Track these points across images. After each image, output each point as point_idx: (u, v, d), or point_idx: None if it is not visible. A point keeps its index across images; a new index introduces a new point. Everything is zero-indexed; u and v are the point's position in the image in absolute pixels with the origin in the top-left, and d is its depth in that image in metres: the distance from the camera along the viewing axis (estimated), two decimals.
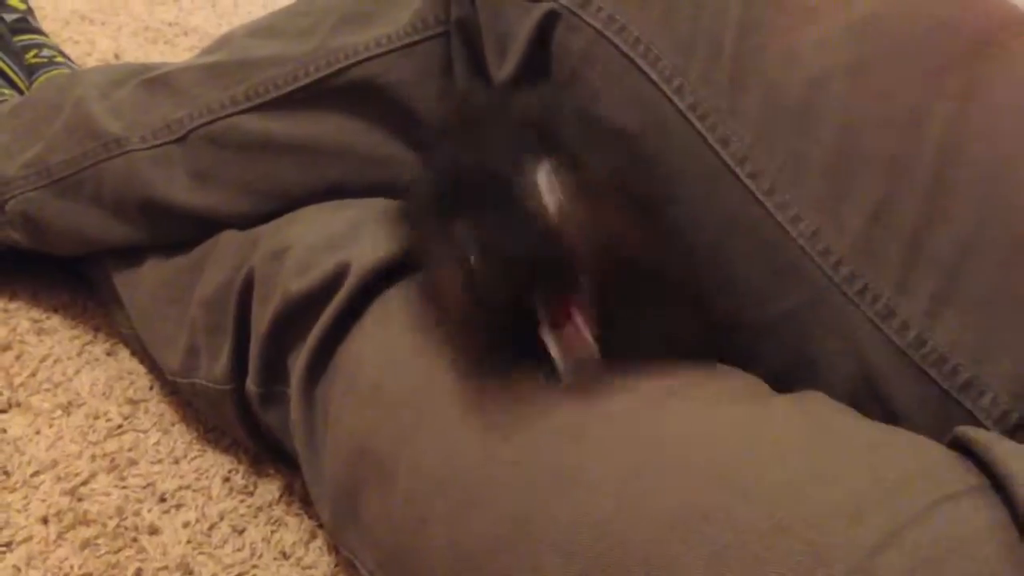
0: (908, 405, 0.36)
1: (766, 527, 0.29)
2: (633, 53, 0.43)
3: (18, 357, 0.64)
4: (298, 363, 0.46)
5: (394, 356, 0.42)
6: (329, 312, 0.45)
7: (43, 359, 0.65)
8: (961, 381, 0.35)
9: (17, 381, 0.62)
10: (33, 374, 0.63)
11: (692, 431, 0.33)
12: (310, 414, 0.46)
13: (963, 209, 0.36)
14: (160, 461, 0.58)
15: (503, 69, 0.48)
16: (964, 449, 0.31)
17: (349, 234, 0.48)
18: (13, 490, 0.55)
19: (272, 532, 0.55)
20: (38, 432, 0.59)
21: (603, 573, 0.31)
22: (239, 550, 0.53)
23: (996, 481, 0.28)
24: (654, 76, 0.43)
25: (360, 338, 0.44)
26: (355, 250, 0.46)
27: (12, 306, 0.69)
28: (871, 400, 0.37)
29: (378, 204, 0.52)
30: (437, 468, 0.37)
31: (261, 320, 0.49)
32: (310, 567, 0.53)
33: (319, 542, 0.55)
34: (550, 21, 0.46)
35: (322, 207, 0.53)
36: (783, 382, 0.39)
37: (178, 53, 1.12)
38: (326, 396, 0.45)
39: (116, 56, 1.08)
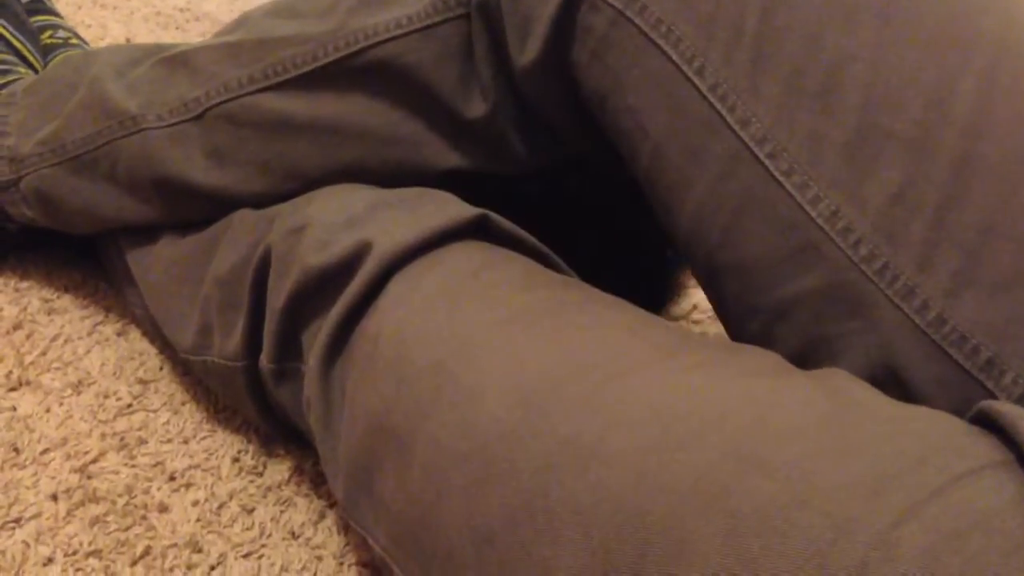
0: (928, 385, 0.36)
1: (786, 500, 0.28)
2: (654, 34, 0.43)
3: (29, 336, 0.64)
4: (318, 339, 0.46)
5: (412, 332, 0.42)
6: (351, 291, 0.45)
7: (54, 338, 0.65)
8: (982, 360, 0.35)
9: (28, 360, 0.62)
10: (43, 353, 0.63)
11: (712, 405, 0.33)
12: (327, 391, 0.46)
13: (986, 188, 0.36)
14: (170, 440, 0.58)
15: (525, 52, 0.48)
16: (989, 423, 0.31)
17: (368, 214, 0.48)
18: (23, 467, 0.55)
19: (281, 512, 0.55)
20: (48, 410, 0.59)
21: (621, 547, 0.31)
22: (248, 529, 0.53)
23: (1021, 456, 0.28)
24: (675, 57, 0.43)
25: (378, 315, 0.44)
26: (376, 230, 0.46)
27: (23, 285, 0.69)
28: (890, 381, 0.37)
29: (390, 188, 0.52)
30: (455, 442, 0.37)
31: (278, 295, 0.49)
32: (319, 547, 0.53)
33: (328, 522, 0.54)
34: (572, 2, 0.45)
35: (340, 188, 0.53)
36: (801, 363, 0.39)
37: (189, 39, 1.12)
38: (344, 373, 0.45)
39: (128, 40, 1.08)
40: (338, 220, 0.48)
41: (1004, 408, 0.30)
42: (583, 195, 0.63)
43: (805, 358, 0.40)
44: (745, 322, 0.44)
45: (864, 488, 0.28)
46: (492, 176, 0.54)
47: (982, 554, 0.26)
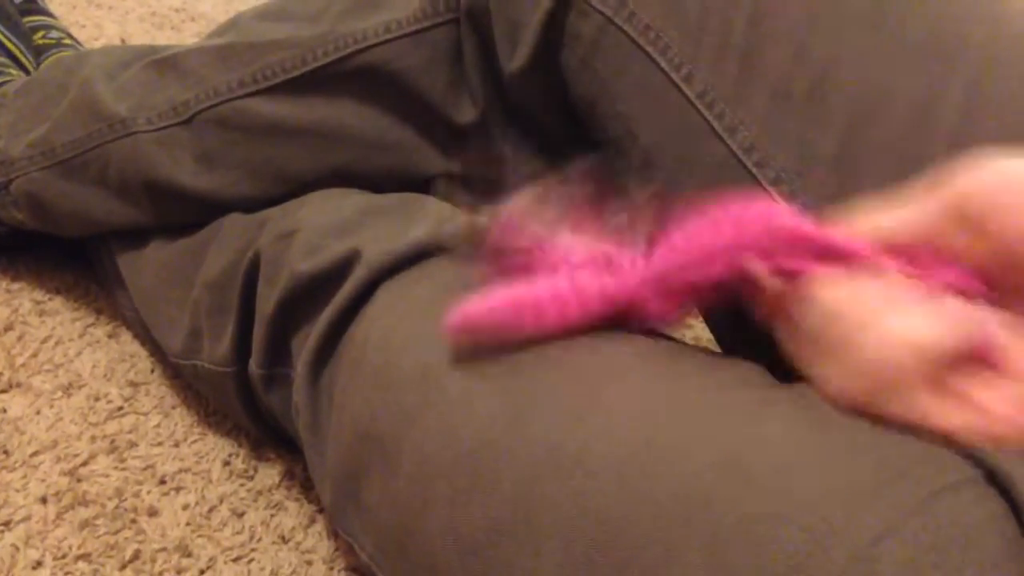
0: None
1: (767, 513, 0.28)
2: (642, 40, 0.43)
3: (20, 338, 0.64)
4: (306, 346, 0.46)
5: (399, 340, 0.42)
6: (340, 298, 0.45)
7: (45, 340, 0.65)
8: None
9: (18, 361, 0.62)
10: (34, 355, 0.63)
11: (696, 416, 0.33)
12: (315, 397, 0.46)
13: None
14: (160, 444, 0.58)
15: (514, 57, 0.48)
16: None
17: (359, 221, 0.48)
18: (12, 470, 0.55)
19: (271, 516, 0.55)
20: (38, 412, 0.59)
21: (603, 557, 0.31)
22: (238, 533, 0.53)
23: (988, 474, 0.28)
24: (663, 64, 0.43)
25: (366, 323, 0.44)
26: (366, 238, 0.46)
27: (15, 287, 0.69)
28: None
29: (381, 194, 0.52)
30: (441, 451, 0.37)
31: (267, 301, 0.49)
32: (309, 551, 0.53)
33: (318, 527, 0.54)
34: (561, 8, 0.46)
35: (330, 193, 0.53)
36: (787, 376, 0.39)
37: (184, 39, 1.12)
38: (331, 380, 0.45)
39: (122, 41, 1.08)
40: (329, 226, 0.48)
41: None
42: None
43: (793, 370, 0.40)
44: (734, 329, 0.44)
45: (845, 501, 0.28)
46: (482, 180, 0.55)
47: (961, 569, 0.26)
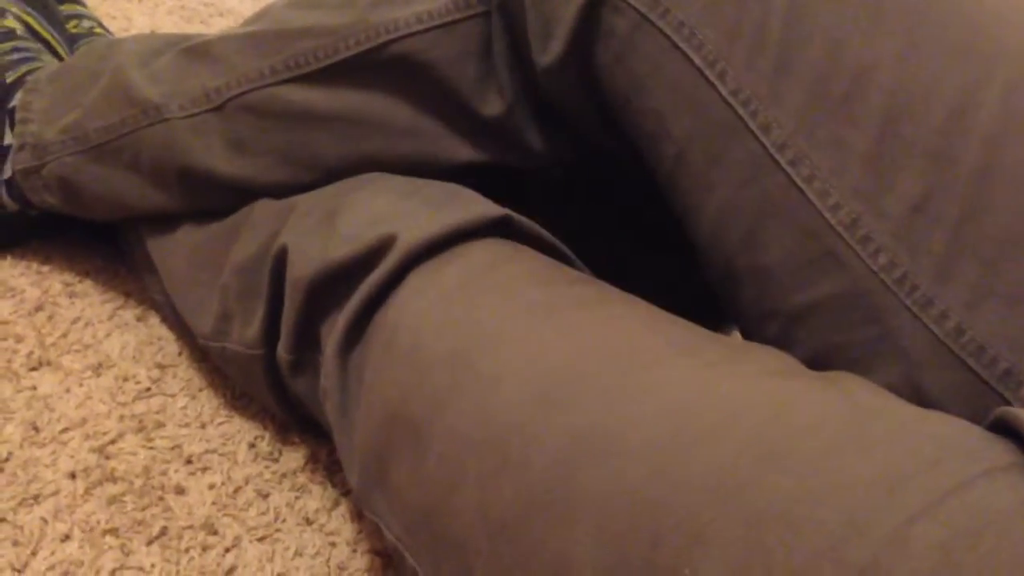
0: (944, 394, 0.36)
1: (802, 494, 0.29)
2: (677, 37, 0.44)
3: (50, 318, 0.65)
4: (335, 329, 0.46)
5: (431, 322, 0.42)
6: (372, 281, 0.45)
7: (74, 321, 0.66)
8: (1000, 371, 0.35)
9: (48, 341, 0.63)
10: (64, 335, 0.64)
11: (729, 401, 0.33)
12: (344, 380, 0.46)
13: (1007, 200, 0.36)
14: (187, 425, 0.59)
15: (547, 52, 0.48)
16: (1004, 428, 0.31)
17: (393, 210, 0.49)
18: (42, 445, 0.56)
19: (296, 498, 0.56)
20: (68, 391, 0.60)
21: (636, 540, 0.31)
22: (263, 514, 0.54)
23: None
24: (697, 61, 0.43)
25: (397, 306, 0.45)
26: (401, 226, 0.47)
27: (45, 268, 0.70)
28: (907, 389, 0.38)
29: (417, 184, 0.53)
30: (471, 431, 0.37)
31: (296, 285, 0.49)
32: (333, 533, 0.54)
33: (342, 509, 0.55)
34: (595, 3, 0.46)
35: (365, 180, 0.53)
36: (816, 369, 0.39)
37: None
38: (361, 363, 0.45)
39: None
40: (362, 215, 0.49)
41: (1020, 414, 0.31)
42: (609, 193, 0.63)
43: (821, 364, 0.40)
44: (762, 327, 0.44)
45: (879, 486, 0.29)
46: (510, 170, 0.55)
47: (995, 552, 0.26)
